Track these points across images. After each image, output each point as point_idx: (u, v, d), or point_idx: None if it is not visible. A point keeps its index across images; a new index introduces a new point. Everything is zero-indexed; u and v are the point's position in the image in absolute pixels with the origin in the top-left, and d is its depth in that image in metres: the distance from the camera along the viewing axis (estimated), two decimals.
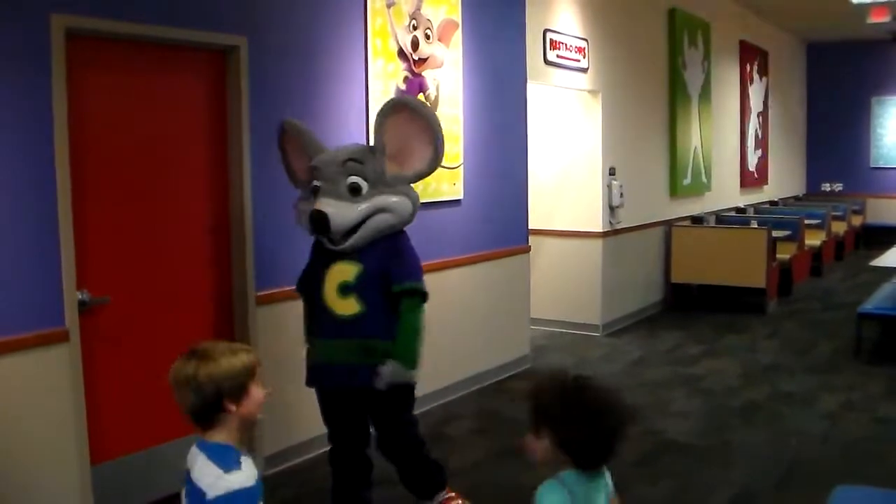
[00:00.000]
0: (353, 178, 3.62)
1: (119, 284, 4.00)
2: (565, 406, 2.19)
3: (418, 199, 3.80)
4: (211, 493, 2.18)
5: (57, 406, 3.65)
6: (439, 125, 3.74)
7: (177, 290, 4.30)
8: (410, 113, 3.71)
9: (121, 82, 4.00)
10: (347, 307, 3.59)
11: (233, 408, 2.28)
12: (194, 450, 2.30)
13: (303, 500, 4.37)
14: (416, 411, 5.26)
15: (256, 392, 2.35)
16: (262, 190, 4.52)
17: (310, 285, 3.77)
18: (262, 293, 4.54)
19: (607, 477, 2.33)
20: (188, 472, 2.28)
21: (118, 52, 3.97)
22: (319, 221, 3.53)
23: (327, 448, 4.91)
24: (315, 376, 3.81)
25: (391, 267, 3.64)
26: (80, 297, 3.77)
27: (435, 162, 3.76)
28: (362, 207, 3.59)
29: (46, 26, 3.53)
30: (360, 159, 3.66)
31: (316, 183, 3.66)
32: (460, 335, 6.02)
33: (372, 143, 3.78)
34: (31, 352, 3.54)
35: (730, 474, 4.64)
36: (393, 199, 3.66)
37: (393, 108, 3.73)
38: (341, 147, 3.91)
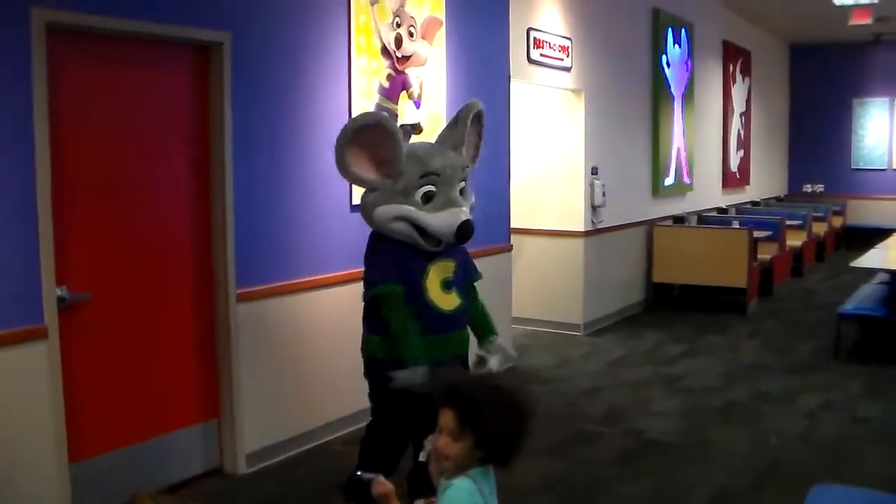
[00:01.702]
0: (464, 184, 3.87)
1: (100, 281, 3.98)
2: (497, 406, 2.27)
3: None
4: None
5: (35, 403, 3.62)
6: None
7: (158, 288, 4.28)
8: (481, 119, 4.08)
9: (102, 78, 3.97)
10: (452, 301, 3.75)
11: None
12: None
13: (282, 499, 4.35)
14: None
15: None
16: (244, 186, 4.50)
17: (410, 286, 3.70)
18: (243, 290, 4.52)
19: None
20: None
21: (100, 47, 3.94)
22: (469, 230, 3.72)
23: (309, 446, 4.93)
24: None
25: (468, 260, 3.96)
26: (59, 294, 3.74)
27: (475, 164, 4.15)
28: (466, 211, 3.79)
29: (27, 20, 3.49)
30: (468, 165, 3.95)
31: (431, 188, 3.72)
32: None
33: (445, 140, 3.99)
34: (9, 349, 3.51)
35: (709, 473, 4.67)
36: (474, 199, 3.95)
37: (477, 114, 4.03)
38: (439, 148, 3.93)
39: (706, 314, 8.97)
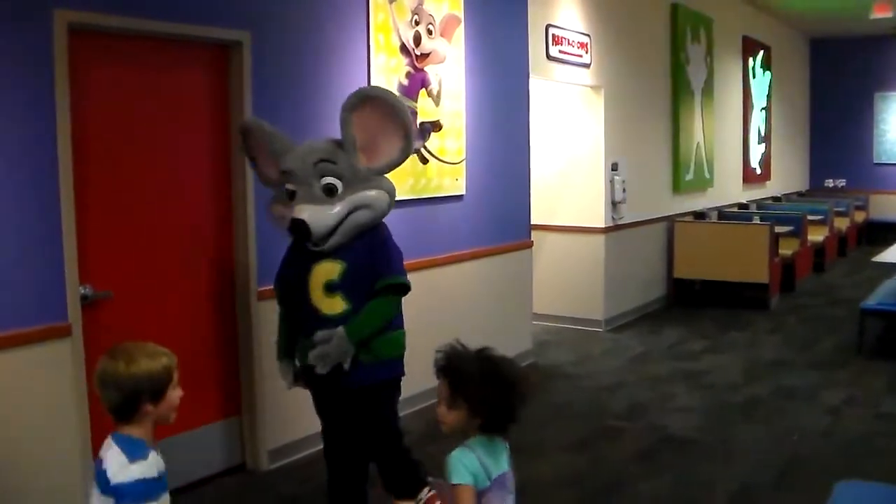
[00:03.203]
0: (328, 179, 3.54)
1: (122, 279, 4.01)
2: (483, 375, 2.50)
3: (394, 189, 3.71)
4: (114, 480, 2.34)
5: (59, 400, 3.66)
6: (408, 111, 3.68)
7: (180, 285, 4.31)
8: (375, 104, 3.61)
9: (124, 77, 4.01)
10: (334, 306, 3.53)
11: (150, 408, 2.45)
12: (108, 440, 2.45)
13: (304, 496, 4.37)
14: (417, 408, 5.29)
15: (173, 395, 2.52)
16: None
17: (289, 285, 3.67)
18: (264, 289, 4.54)
19: (506, 446, 2.62)
20: (100, 461, 2.42)
21: (121, 47, 3.97)
22: (300, 229, 3.47)
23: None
24: (309, 377, 3.71)
25: (375, 262, 3.58)
26: (82, 291, 3.78)
27: (407, 149, 3.66)
28: (338, 208, 3.51)
29: (50, 21, 3.53)
30: (331, 158, 3.57)
31: (289, 186, 3.58)
32: (462, 330, 5.93)
33: (340, 137, 3.67)
34: (34, 346, 3.55)
35: (731, 470, 4.65)
36: (370, 194, 3.58)
37: (358, 102, 3.63)
38: (309, 144, 3.76)
39: (728, 310, 8.93)
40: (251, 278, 4.51)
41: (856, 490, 3.38)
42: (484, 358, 2.57)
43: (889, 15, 10.78)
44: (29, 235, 3.55)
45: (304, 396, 4.67)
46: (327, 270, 3.54)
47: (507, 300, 6.58)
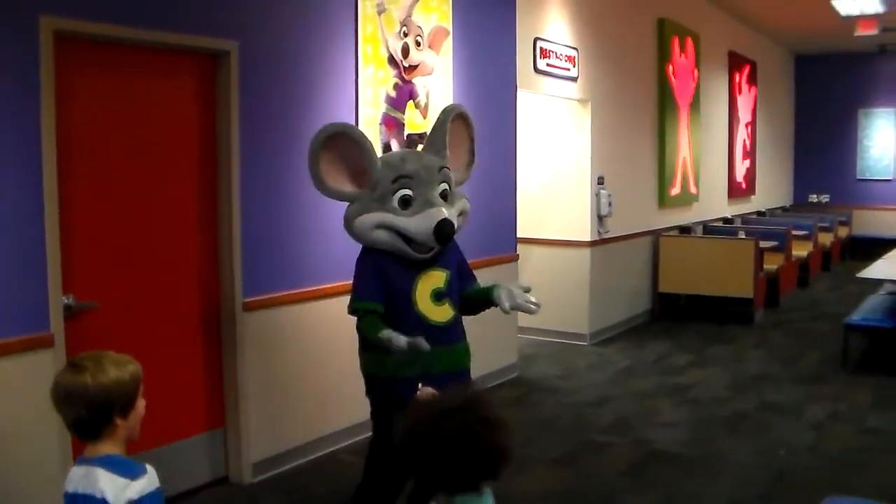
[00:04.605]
0: (445, 186, 3.66)
1: (106, 290, 3.97)
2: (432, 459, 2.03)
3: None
4: (123, 501, 2.14)
5: (41, 411, 3.59)
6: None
7: (164, 296, 4.27)
8: (464, 122, 3.89)
9: (110, 85, 3.97)
10: (443, 314, 3.60)
11: (119, 421, 2.25)
12: (83, 469, 2.21)
13: None
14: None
15: (140, 405, 2.32)
16: (252, 195, 4.50)
17: (394, 298, 3.58)
18: (250, 299, 4.51)
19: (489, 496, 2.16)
20: (86, 497, 2.18)
21: (108, 55, 3.94)
22: (448, 230, 3.52)
23: (315, 456, 4.91)
24: (408, 389, 3.36)
25: (464, 269, 3.78)
26: (65, 301, 3.73)
27: (471, 168, 4.00)
28: (453, 212, 3.63)
29: (35, 28, 3.50)
30: (448, 166, 3.72)
31: (407, 192, 3.56)
32: None
33: (428, 145, 3.82)
34: (16, 357, 3.50)
35: (718, 484, 4.63)
36: (466, 203, 3.80)
37: (458, 115, 3.84)
38: (414, 152, 3.92)
39: (712, 324, 8.94)
40: (236, 289, 4.47)
41: None
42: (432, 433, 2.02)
43: (874, 32, 10.87)
44: (11, 244, 3.50)
45: (288, 408, 4.65)
46: (436, 278, 3.60)
47: (493, 313, 6.52)
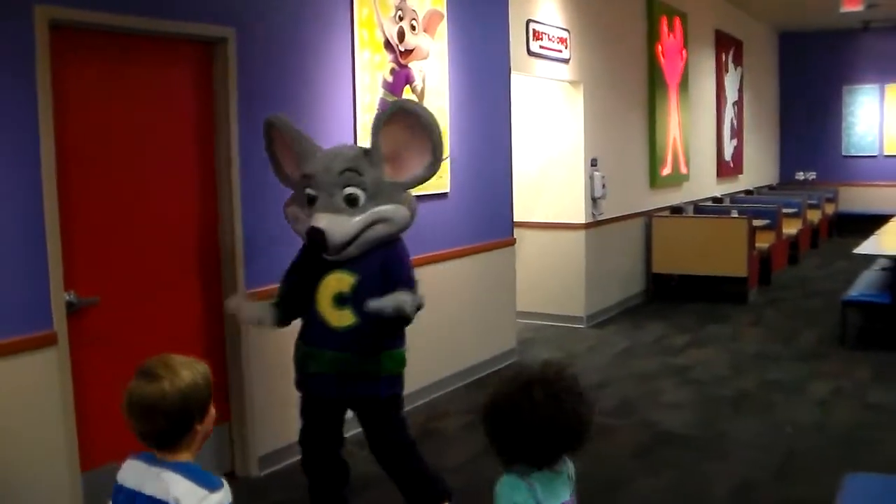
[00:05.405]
0: (351, 189, 3.46)
1: (108, 285, 3.89)
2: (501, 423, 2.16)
3: (416, 205, 3.67)
4: None
5: (45, 411, 3.53)
6: (439, 129, 3.58)
7: (167, 290, 4.19)
8: (410, 118, 3.52)
9: (107, 75, 3.88)
10: (342, 319, 3.46)
11: (199, 426, 2.18)
12: (154, 469, 2.14)
13: (295, 502, 4.27)
14: (405, 408, 5.21)
15: (212, 407, 2.24)
16: (252, 185, 4.42)
17: (296, 289, 3.60)
18: (252, 291, 4.44)
19: (567, 467, 2.25)
20: (133, 490, 2.14)
21: (103, 43, 3.84)
22: (317, 239, 3.40)
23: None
24: (304, 383, 3.70)
25: (388, 277, 3.50)
26: (67, 298, 3.65)
27: (434, 167, 3.60)
28: (358, 220, 3.44)
29: (30, 18, 3.40)
30: (357, 169, 3.49)
31: (310, 192, 3.49)
32: (447, 330, 5.95)
33: (368, 146, 3.61)
34: (19, 356, 3.42)
35: (729, 464, 4.62)
36: (390, 209, 3.51)
37: (392, 114, 3.54)
38: (335, 150, 3.68)
39: (706, 304, 8.93)
40: (239, 281, 4.40)
41: (866, 482, 3.35)
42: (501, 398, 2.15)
43: (859, 8, 10.87)
44: (11, 241, 3.41)
45: (294, 401, 4.58)
46: (339, 281, 3.48)
47: (492, 298, 6.52)
